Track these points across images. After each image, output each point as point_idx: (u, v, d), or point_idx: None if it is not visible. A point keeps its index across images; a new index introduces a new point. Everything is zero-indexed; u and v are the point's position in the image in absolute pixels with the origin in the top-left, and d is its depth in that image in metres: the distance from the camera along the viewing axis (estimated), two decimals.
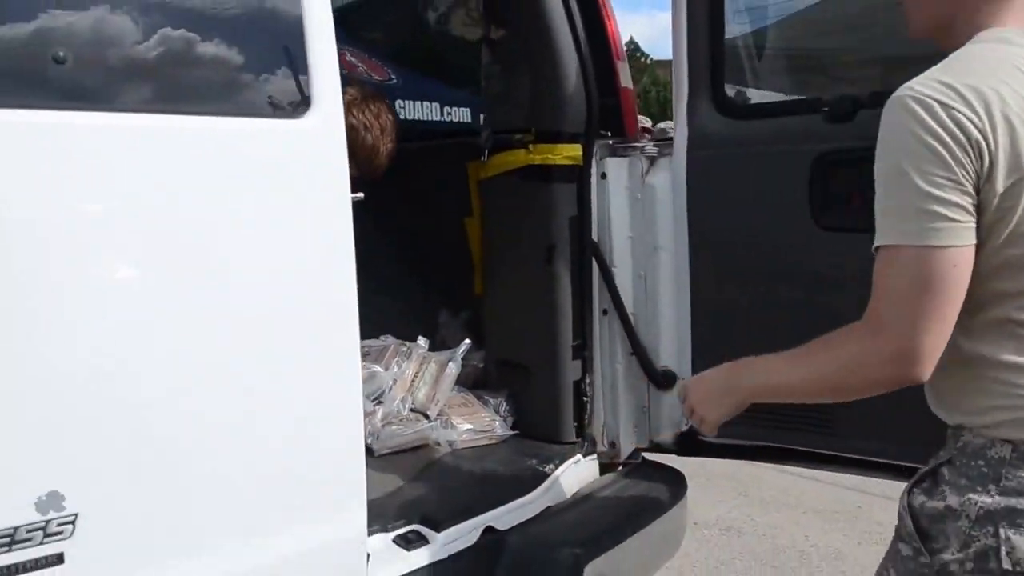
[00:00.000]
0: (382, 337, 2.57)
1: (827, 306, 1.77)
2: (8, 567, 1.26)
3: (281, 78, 1.57)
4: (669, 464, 2.44)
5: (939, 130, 1.21)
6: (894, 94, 1.27)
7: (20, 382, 1.27)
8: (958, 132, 1.20)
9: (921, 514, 1.32)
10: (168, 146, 1.42)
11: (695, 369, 2.08)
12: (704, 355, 2.14)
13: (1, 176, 1.25)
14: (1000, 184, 1.21)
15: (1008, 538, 1.23)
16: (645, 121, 3.45)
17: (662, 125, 3.05)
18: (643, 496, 2.28)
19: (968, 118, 1.21)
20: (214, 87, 1.52)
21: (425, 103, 3.82)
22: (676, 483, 2.36)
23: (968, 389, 1.32)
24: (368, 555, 1.68)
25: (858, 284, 1.39)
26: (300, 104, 1.56)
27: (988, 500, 1.26)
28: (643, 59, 55.34)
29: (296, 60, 1.56)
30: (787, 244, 2.07)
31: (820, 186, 2.00)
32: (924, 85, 1.25)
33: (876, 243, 1.27)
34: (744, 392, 1.53)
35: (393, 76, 4.08)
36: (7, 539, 1.25)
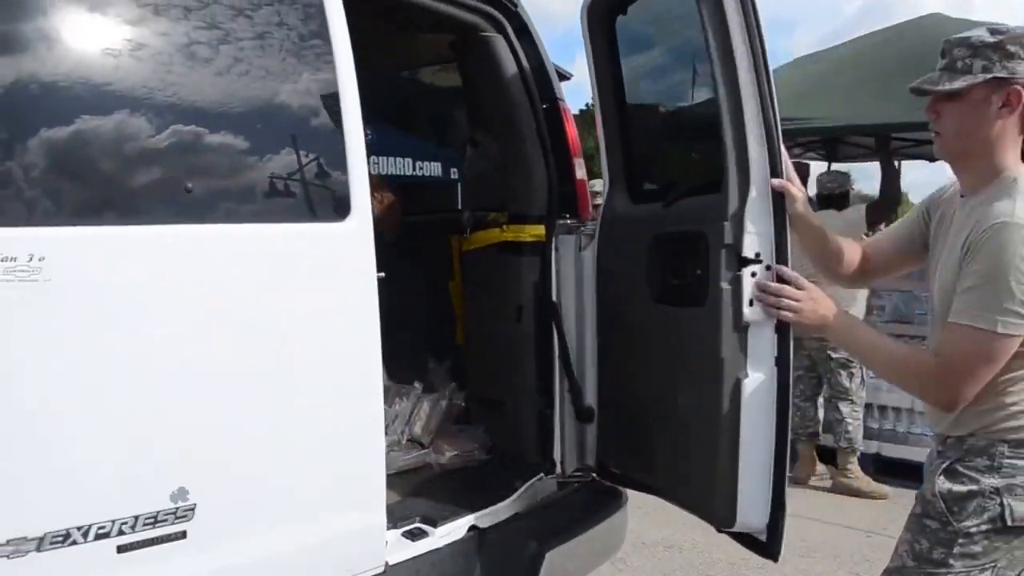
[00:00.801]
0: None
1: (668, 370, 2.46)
2: (153, 537, 1.84)
3: (329, 189, 2.19)
4: (613, 485, 3.07)
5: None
6: (1005, 220, 1.82)
7: (166, 422, 1.87)
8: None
9: (949, 497, 1.94)
10: (250, 248, 2.03)
11: (600, 404, 2.78)
12: (602, 394, 2.83)
13: (164, 266, 1.86)
14: None
15: (1009, 504, 1.89)
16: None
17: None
18: (590, 505, 2.91)
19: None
20: (282, 200, 2.14)
21: (399, 158, 4.27)
22: (616, 497, 2.99)
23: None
24: (386, 542, 2.29)
25: (674, 350, 2.14)
26: (343, 209, 2.18)
27: (993, 481, 1.90)
28: None
29: (339, 173, 2.18)
30: (635, 313, 2.70)
31: (654, 263, 2.63)
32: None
33: (967, 322, 1.85)
34: (838, 331, 2.15)
35: (368, 132, 4.65)
36: (152, 519, 1.84)
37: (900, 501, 5.21)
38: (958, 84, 1.95)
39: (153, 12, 1.91)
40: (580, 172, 3.15)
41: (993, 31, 1.96)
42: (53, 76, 1.75)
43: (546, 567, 2.55)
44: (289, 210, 2.14)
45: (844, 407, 5.66)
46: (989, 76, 1.93)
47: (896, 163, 6.82)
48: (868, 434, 5.95)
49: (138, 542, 1.83)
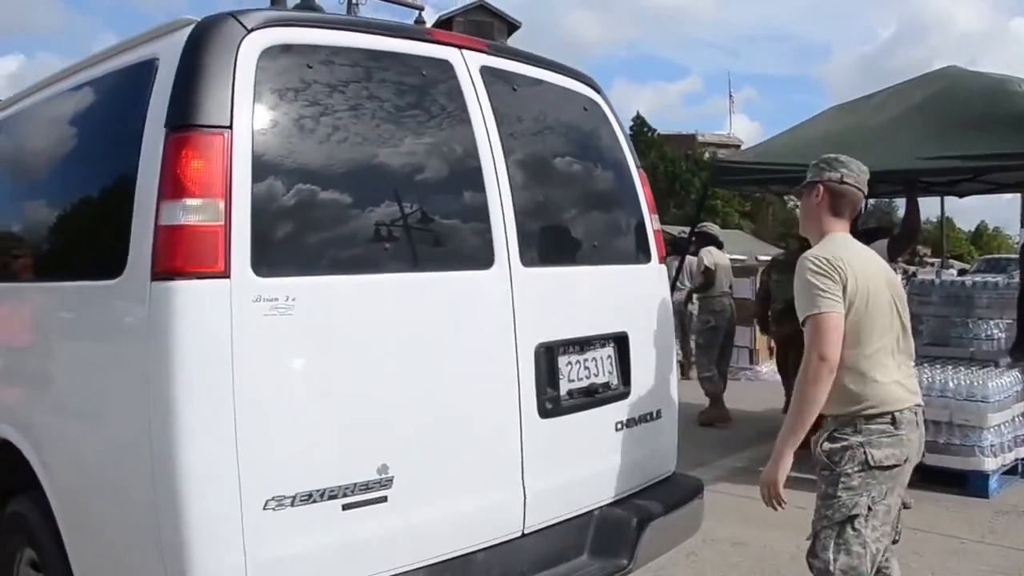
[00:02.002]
0: None
1: None
2: (365, 500, 2.53)
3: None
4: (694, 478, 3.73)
5: (834, 273, 2.95)
6: (804, 255, 3.04)
7: (374, 415, 2.57)
8: (840, 273, 2.95)
9: (831, 452, 2.98)
10: (431, 290, 2.75)
11: None
12: None
13: (375, 302, 2.58)
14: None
15: (871, 452, 2.93)
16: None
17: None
18: (676, 494, 3.55)
19: (844, 268, 2.96)
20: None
21: None
22: (697, 486, 3.64)
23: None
24: (524, 513, 2.97)
25: None
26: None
27: (859, 439, 2.94)
28: (650, 133, 53.99)
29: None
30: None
31: None
32: (814, 253, 3.00)
33: (802, 316, 3.00)
34: (785, 456, 2.99)
35: None
36: (364, 487, 2.53)
37: (944, 504, 5.80)
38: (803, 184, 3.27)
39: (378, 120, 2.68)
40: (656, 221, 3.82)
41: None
42: (311, 173, 2.51)
43: (644, 538, 3.20)
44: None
45: None
46: (808, 180, 3.23)
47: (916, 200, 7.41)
48: None
49: (355, 503, 2.53)
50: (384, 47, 2.84)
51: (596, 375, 3.25)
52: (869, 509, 2.94)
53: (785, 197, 24.88)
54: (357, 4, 13.98)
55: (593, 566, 3.14)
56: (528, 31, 46.89)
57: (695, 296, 9.49)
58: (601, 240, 3.44)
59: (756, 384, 11.13)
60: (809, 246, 3.20)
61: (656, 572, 4.42)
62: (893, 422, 2.99)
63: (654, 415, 3.53)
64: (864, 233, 6.18)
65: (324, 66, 2.65)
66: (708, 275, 8.87)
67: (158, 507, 2.32)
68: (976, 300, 7.42)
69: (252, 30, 2.52)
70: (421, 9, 16.00)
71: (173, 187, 2.33)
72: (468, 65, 3.02)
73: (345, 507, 2.51)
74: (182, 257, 2.29)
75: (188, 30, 2.53)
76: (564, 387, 3.10)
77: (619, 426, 3.35)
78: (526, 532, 2.98)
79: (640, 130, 52.49)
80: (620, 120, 3.72)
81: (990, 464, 6.17)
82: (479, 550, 2.83)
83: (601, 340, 3.28)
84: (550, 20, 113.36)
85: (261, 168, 2.42)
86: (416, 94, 2.87)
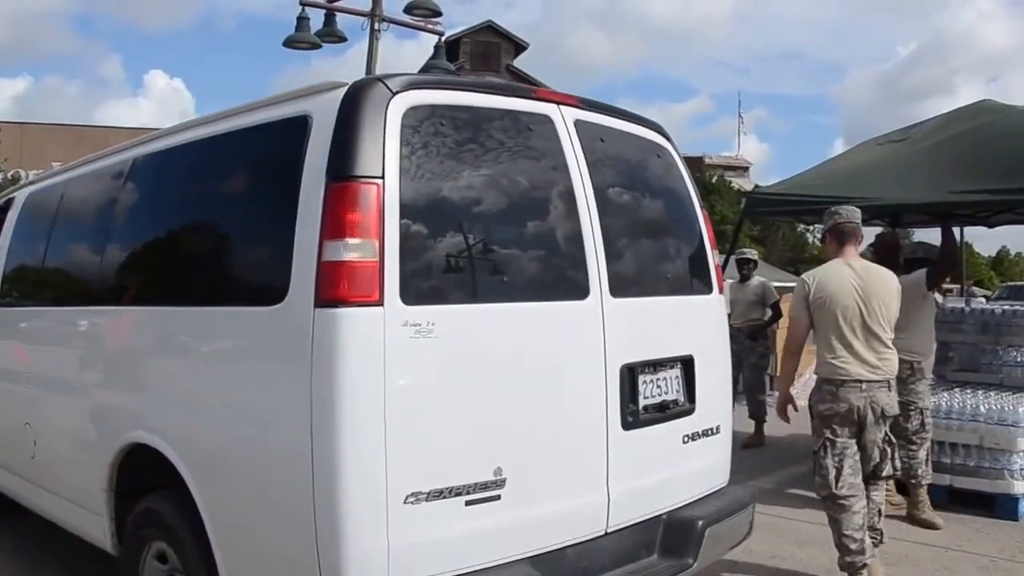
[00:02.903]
0: None
1: None
2: (483, 497, 2.94)
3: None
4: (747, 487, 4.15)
5: (802, 288, 4.77)
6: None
7: (492, 424, 2.99)
8: (806, 287, 4.75)
9: (815, 403, 4.77)
10: (540, 317, 3.17)
11: None
12: None
13: (494, 328, 3.01)
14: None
15: (818, 406, 4.74)
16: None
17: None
18: (731, 501, 3.96)
19: (809, 283, 4.76)
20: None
21: None
22: (750, 496, 4.05)
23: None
24: (607, 513, 3.37)
25: None
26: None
27: (815, 397, 4.77)
28: None
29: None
30: None
31: None
32: (806, 275, 4.91)
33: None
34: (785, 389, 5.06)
35: None
36: (483, 486, 2.94)
37: (972, 525, 6.08)
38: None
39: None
40: (716, 256, 4.24)
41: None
42: (444, 215, 2.94)
43: (706, 541, 3.61)
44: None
45: (910, 445, 6.12)
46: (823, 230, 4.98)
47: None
48: (941, 468, 6.45)
49: (475, 500, 2.94)
50: (499, 105, 3.27)
51: (667, 393, 3.66)
52: (825, 445, 4.70)
53: (811, 227, 25.24)
54: (379, 30, 14.62)
55: (662, 564, 3.55)
56: (536, 50, 47.37)
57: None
58: (672, 273, 3.87)
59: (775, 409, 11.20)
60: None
61: None
62: (835, 386, 4.68)
63: (714, 430, 3.94)
64: (910, 263, 6.49)
65: (453, 121, 3.08)
66: (777, 307, 9.23)
67: (316, 501, 2.73)
68: (1005, 328, 7.63)
69: (396, 92, 2.95)
70: (442, 35, 16.20)
71: (336, 228, 2.75)
72: (565, 119, 3.45)
73: (467, 503, 2.92)
74: (344, 288, 2.72)
75: (341, 92, 2.96)
76: (642, 403, 3.51)
77: (685, 439, 3.76)
78: (608, 531, 3.39)
79: None
80: (685, 163, 4.15)
81: (1019, 487, 6.34)
82: (569, 546, 3.24)
83: (671, 362, 3.70)
84: (559, 39, 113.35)
85: (406, 212, 2.85)
86: (525, 145, 3.30)
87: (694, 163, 59.51)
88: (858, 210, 5.06)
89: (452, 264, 2.99)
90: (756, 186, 10.72)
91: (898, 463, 5.73)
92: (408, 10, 14.70)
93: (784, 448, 8.71)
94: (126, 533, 3.73)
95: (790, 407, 5.06)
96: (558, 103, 3.48)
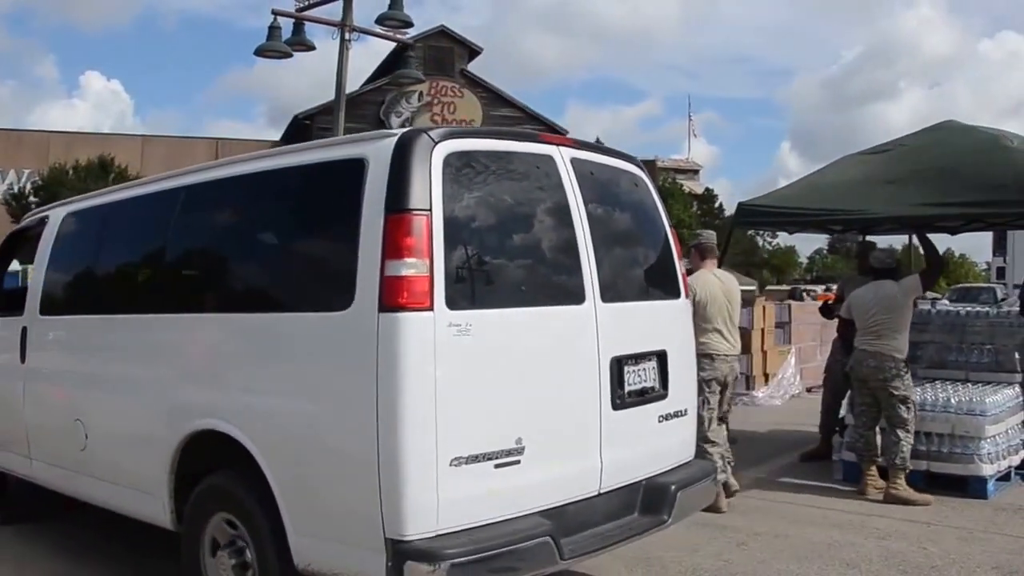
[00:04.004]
0: None
1: None
2: (507, 462, 3.70)
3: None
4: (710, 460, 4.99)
5: (692, 291, 5.73)
6: None
7: (516, 402, 3.76)
8: (694, 290, 6.06)
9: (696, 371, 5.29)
10: (549, 318, 3.95)
11: None
12: None
13: (515, 329, 3.80)
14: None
15: (700, 373, 5.64)
16: None
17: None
18: (697, 472, 4.79)
19: (696, 288, 6.23)
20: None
21: None
22: (712, 467, 4.91)
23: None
24: (600, 477, 4.16)
25: None
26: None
27: (698, 367, 5.31)
28: None
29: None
30: None
31: None
32: (690, 279, 5.72)
33: None
34: None
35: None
36: (507, 452, 3.70)
37: (949, 504, 6.83)
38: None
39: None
40: (681, 269, 5.05)
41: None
42: (475, 238, 3.72)
43: (678, 502, 4.42)
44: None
45: (900, 433, 6.90)
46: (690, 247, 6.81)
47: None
48: (918, 454, 7.08)
49: (502, 463, 3.70)
50: (513, 148, 4.07)
51: (646, 380, 4.46)
52: (704, 401, 6.28)
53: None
54: (350, 40, 15.14)
55: (643, 520, 4.36)
56: (487, 53, 47.58)
57: None
58: (649, 282, 4.69)
59: (753, 408, 12.00)
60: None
61: (715, 558, 5.57)
62: (711, 359, 6.48)
63: (683, 412, 4.76)
64: (883, 271, 7.34)
65: (480, 163, 3.87)
66: None
67: (380, 467, 3.46)
68: (969, 328, 8.47)
69: (438, 142, 3.71)
70: (409, 44, 17.03)
71: (396, 250, 3.50)
72: (563, 157, 4.24)
73: (496, 466, 3.68)
74: (403, 297, 3.47)
75: (393, 140, 3.72)
76: (627, 388, 4.31)
77: (661, 419, 4.57)
78: (601, 492, 4.18)
79: None
80: (658, 188, 4.97)
81: (987, 470, 7.05)
82: (571, 503, 4.02)
83: (649, 355, 4.50)
84: (509, 42, 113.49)
85: (448, 236, 3.61)
86: (533, 179, 4.09)
87: (647, 167, 60.93)
88: (714, 233, 7.23)
89: (483, 277, 3.77)
90: (707, 189, 11.51)
91: (906, 450, 6.89)
92: (380, 21, 15.23)
93: (767, 443, 9.55)
94: (188, 509, 4.41)
95: None
96: (558, 145, 4.28)
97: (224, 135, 51.18)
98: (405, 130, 3.80)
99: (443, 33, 40.79)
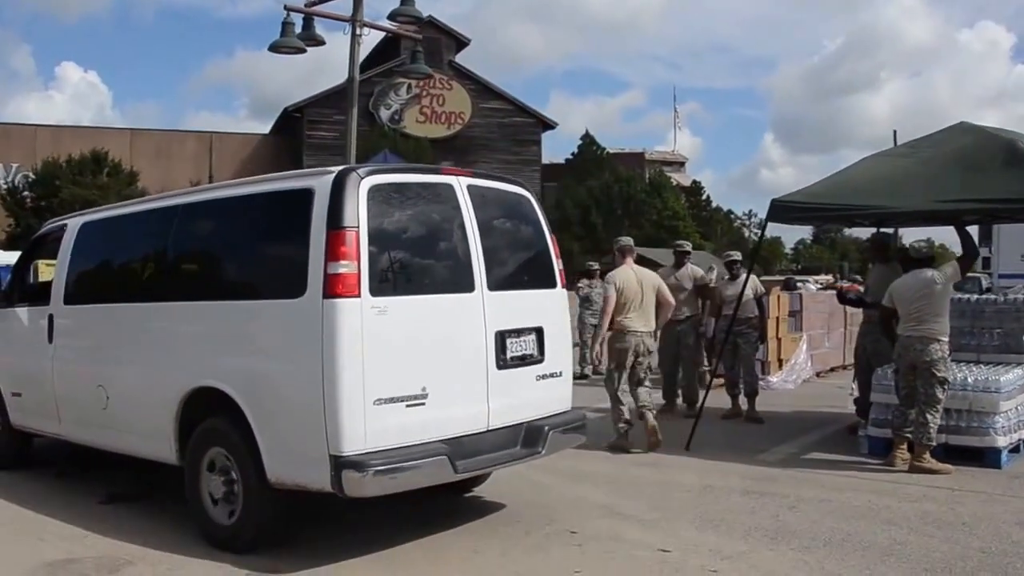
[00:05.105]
0: None
1: None
2: (415, 403, 5.27)
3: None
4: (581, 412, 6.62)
5: (613, 282, 8.72)
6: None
7: (421, 359, 5.35)
8: (616, 281, 8.66)
9: (613, 343, 8.72)
10: (448, 302, 5.55)
11: None
12: None
13: (416, 311, 5.41)
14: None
15: (615, 345, 8.69)
16: None
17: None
18: (571, 416, 6.40)
19: (617, 280, 8.66)
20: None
21: None
22: (581, 416, 6.52)
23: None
24: (488, 417, 5.76)
25: None
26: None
27: (621, 340, 8.39)
28: (599, 152, 53.45)
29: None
30: None
31: None
32: (611, 274, 8.81)
33: None
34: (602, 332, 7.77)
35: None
36: (414, 397, 5.27)
37: (967, 473, 7.56)
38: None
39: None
40: (559, 266, 6.63)
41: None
42: (392, 246, 5.31)
43: (550, 439, 6.03)
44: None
45: (931, 415, 7.55)
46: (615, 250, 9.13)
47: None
48: (939, 429, 7.69)
49: (411, 404, 5.27)
50: (421, 180, 5.69)
51: (526, 349, 6.05)
52: (618, 366, 8.51)
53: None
54: (360, 35, 15.66)
55: (523, 451, 5.96)
56: (470, 45, 47.61)
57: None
58: (529, 276, 6.29)
59: (769, 392, 12.33)
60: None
61: (773, 519, 6.39)
62: (625, 334, 8.47)
63: (558, 373, 6.36)
64: (920, 260, 8.09)
65: (396, 192, 5.45)
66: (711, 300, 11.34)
67: (326, 408, 5.03)
68: (979, 313, 9.29)
69: (364, 177, 5.29)
70: (418, 39, 17.93)
71: (334, 256, 5.07)
72: (461, 185, 5.82)
73: (407, 406, 5.25)
74: (340, 288, 5.05)
75: (332, 175, 5.28)
76: (509, 354, 5.89)
77: (538, 378, 6.16)
78: (489, 429, 5.76)
79: (589, 148, 53.14)
80: (541, 205, 6.57)
81: (1002, 442, 7.76)
82: (465, 435, 5.60)
83: (528, 330, 6.09)
84: (492, 32, 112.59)
85: (371, 245, 5.18)
86: (439, 204, 5.68)
87: (635, 158, 59.49)
88: (631, 238, 9.36)
89: (397, 273, 5.36)
90: (694, 181, 12.62)
91: (934, 430, 7.53)
92: (392, 16, 15.73)
93: (790, 423, 10.46)
94: (190, 444, 5.94)
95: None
96: (456, 175, 5.87)
97: (207, 128, 52.14)
98: (341, 168, 5.37)
99: (431, 23, 40.97)
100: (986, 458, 7.82)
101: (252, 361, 5.55)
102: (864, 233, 11.80)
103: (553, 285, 6.47)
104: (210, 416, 5.81)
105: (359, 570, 5.46)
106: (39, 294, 7.78)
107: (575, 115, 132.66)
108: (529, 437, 6.00)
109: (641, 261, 9.83)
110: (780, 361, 14.02)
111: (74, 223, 7.64)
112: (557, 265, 6.53)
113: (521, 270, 6.29)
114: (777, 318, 13.81)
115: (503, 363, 5.84)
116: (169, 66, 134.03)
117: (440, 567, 5.52)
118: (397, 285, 5.35)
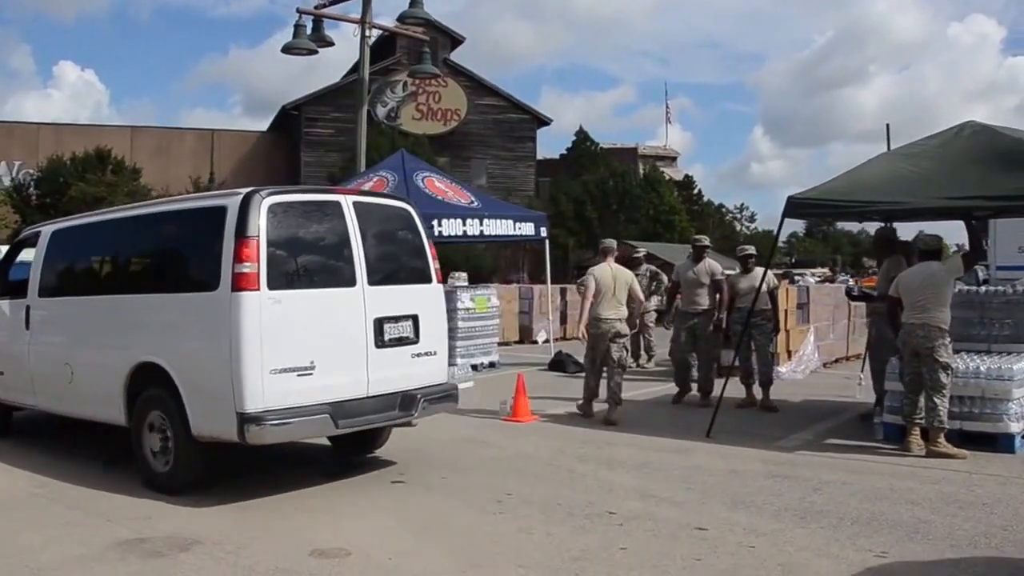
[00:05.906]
0: None
1: None
2: (304, 373, 6.82)
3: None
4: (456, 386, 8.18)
5: (592, 276, 10.50)
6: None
7: (311, 335, 6.93)
8: (593, 275, 10.49)
9: (588, 330, 10.44)
10: (335, 295, 7.12)
11: None
12: None
13: (304, 303, 6.98)
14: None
15: (591, 330, 10.41)
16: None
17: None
18: (443, 387, 7.97)
19: (596, 274, 10.45)
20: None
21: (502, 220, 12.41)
22: (453, 387, 8.12)
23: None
24: (368, 386, 7.33)
25: None
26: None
27: (594, 327, 10.28)
28: (592, 147, 53.14)
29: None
30: None
31: None
32: (591, 269, 10.69)
33: None
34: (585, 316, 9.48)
35: (474, 200, 11.59)
36: (304, 368, 6.82)
37: (982, 458, 7.87)
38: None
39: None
40: (436, 265, 8.18)
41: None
42: (289, 250, 6.90)
43: (421, 405, 7.58)
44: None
45: (938, 399, 7.86)
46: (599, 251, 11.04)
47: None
48: (952, 415, 8.00)
49: (301, 374, 6.81)
50: (313, 198, 7.29)
51: (402, 332, 7.60)
52: (591, 351, 10.32)
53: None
54: (369, 36, 16.70)
55: (399, 414, 7.52)
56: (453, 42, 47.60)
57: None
58: (406, 274, 7.85)
59: (779, 382, 12.35)
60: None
61: (800, 500, 6.69)
62: (599, 322, 10.13)
63: (432, 352, 7.91)
64: (929, 252, 8.33)
65: (292, 208, 7.03)
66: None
67: (233, 377, 6.58)
68: (987, 305, 9.51)
69: (265, 197, 6.85)
70: (426, 40, 19.53)
71: (240, 259, 6.63)
72: (348, 202, 7.39)
73: (298, 375, 6.79)
74: (244, 284, 6.61)
75: (240, 196, 6.83)
76: (387, 336, 7.42)
77: (413, 356, 7.70)
78: (369, 396, 7.30)
79: (583, 143, 52.83)
80: (421, 215, 8.12)
81: (1015, 427, 8.03)
82: (348, 400, 7.13)
83: (405, 318, 7.64)
84: (482, 28, 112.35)
85: (270, 249, 6.74)
86: (327, 217, 7.25)
87: (628, 153, 58.73)
88: (614, 240, 11.19)
89: (291, 272, 6.92)
90: (687, 176, 13.51)
91: (944, 413, 7.82)
92: (401, 19, 16.69)
93: (802, 411, 10.93)
94: (135, 411, 7.46)
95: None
96: (344, 194, 7.45)
97: (203, 125, 52.87)
98: (248, 189, 6.93)
99: (427, 22, 40.41)
100: (999, 443, 8.11)
101: (180, 341, 7.10)
102: (868, 228, 12.69)
103: (429, 281, 7.97)
104: (151, 386, 7.33)
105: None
106: (18, 289, 9.32)
107: (567, 111, 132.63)
108: (405, 403, 7.53)
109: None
110: (789, 352, 14.43)
111: (47, 230, 9.20)
112: (434, 265, 8.06)
113: (399, 269, 7.83)
114: (786, 311, 13.94)
115: (381, 343, 7.39)
116: (165, 64, 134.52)
117: (498, 546, 5.84)
118: (290, 281, 6.91)
